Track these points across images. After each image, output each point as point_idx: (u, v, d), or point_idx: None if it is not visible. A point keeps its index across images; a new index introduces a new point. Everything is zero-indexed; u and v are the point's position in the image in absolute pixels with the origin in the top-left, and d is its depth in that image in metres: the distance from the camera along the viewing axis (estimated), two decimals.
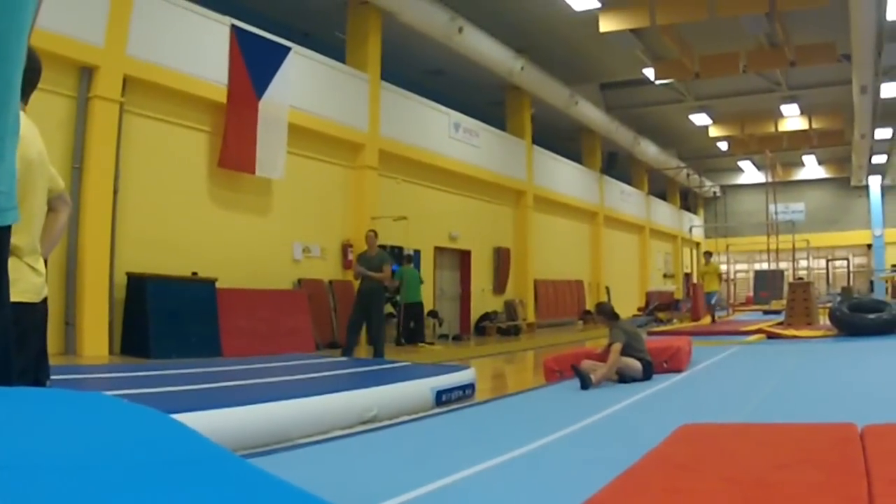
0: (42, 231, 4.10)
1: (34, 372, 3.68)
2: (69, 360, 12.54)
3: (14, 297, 3.48)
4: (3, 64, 1.91)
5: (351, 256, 19.85)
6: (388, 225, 20.84)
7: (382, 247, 17.84)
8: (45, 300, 3.87)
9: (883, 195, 50.25)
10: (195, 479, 1.62)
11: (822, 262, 47.65)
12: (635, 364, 10.15)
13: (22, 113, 3.77)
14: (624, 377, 9.99)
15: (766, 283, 32.70)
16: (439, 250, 24.79)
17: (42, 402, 1.96)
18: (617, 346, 10.09)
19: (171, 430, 1.89)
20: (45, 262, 4.04)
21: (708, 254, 24.64)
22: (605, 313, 10.94)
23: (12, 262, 3.52)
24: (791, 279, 27.55)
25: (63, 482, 1.42)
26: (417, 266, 22.19)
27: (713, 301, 24.33)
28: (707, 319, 24.79)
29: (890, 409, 6.77)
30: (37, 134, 3.84)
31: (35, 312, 3.72)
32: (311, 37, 20.89)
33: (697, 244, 49.08)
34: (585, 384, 9.65)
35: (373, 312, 14.09)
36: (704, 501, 3.68)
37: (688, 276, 47.53)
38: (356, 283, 14.95)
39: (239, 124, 16.37)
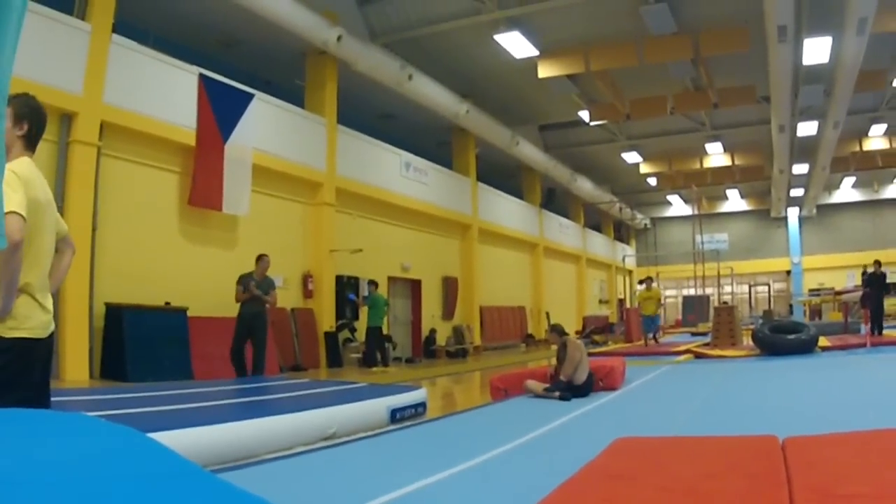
0: (50, 271, 4.26)
1: (36, 401, 3.71)
2: (52, 383, 12.33)
3: (23, 333, 3.68)
4: None
5: (311, 286, 20.00)
6: (344, 257, 21.04)
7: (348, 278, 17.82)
8: (51, 335, 3.93)
9: (800, 225, 51.05)
10: (169, 493, 1.75)
11: (745, 288, 47.94)
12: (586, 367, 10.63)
13: (28, 159, 3.97)
14: (565, 394, 10.23)
15: (694, 308, 33.04)
16: (392, 280, 24.94)
17: (29, 422, 2.13)
18: (580, 343, 10.56)
19: (147, 447, 2.04)
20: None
21: (649, 279, 24.21)
22: (557, 331, 11.23)
23: (25, 299, 3.73)
24: (716, 303, 27.75)
25: (49, 494, 1.56)
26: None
27: (657, 326, 24.04)
28: (642, 341, 24.72)
29: (808, 422, 6.97)
30: (43, 180, 3.99)
31: (41, 348, 3.78)
32: (273, 84, 21.01)
33: (630, 272, 49.41)
34: (566, 395, 10.11)
35: (258, 335, 13.21)
36: None
37: (621, 301, 47.91)
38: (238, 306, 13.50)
39: (207, 165, 16.50)
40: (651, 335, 24.05)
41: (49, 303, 3.88)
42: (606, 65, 23.41)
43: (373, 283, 20.47)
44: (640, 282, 24.05)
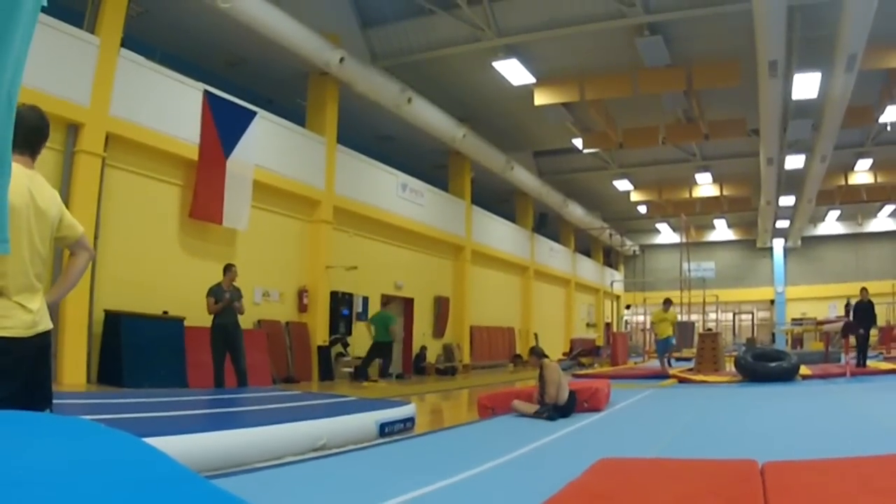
0: (62, 273, 4.24)
1: (25, 399, 3.67)
2: None
3: (1, 333, 3.66)
4: None
5: (306, 301, 20.00)
6: (340, 274, 21.04)
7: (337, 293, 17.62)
8: (41, 334, 3.85)
9: (785, 256, 51.13)
10: (165, 497, 1.75)
11: (730, 315, 47.95)
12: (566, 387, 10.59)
13: (15, 164, 3.93)
14: (552, 414, 10.20)
15: (679, 333, 32.93)
16: (386, 297, 24.84)
17: (27, 425, 2.11)
18: (556, 365, 10.54)
19: (143, 452, 2.02)
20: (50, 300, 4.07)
21: (668, 302, 23.24)
22: (536, 353, 11.21)
23: (1, 302, 3.71)
24: (701, 330, 27.78)
25: (44, 497, 1.55)
26: (366, 311, 22.48)
27: (671, 348, 23.42)
28: (630, 363, 24.13)
29: (787, 447, 7.01)
30: (36, 184, 3.95)
31: (24, 346, 3.72)
32: (275, 103, 21.08)
33: (618, 297, 49.53)
34: (552, 416, 10.08)
35: (239, 344, 12.98)
36: None
37: (608, 325, 47.91)
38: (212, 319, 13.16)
39: (208, 180, 16.54)
40: (665, 357, 23.00)
41: (34, 303, 3.81)
42: (601, 94, 23.56)
43: (385, 301, 20.48)
44: (666, 301, 22.98)
